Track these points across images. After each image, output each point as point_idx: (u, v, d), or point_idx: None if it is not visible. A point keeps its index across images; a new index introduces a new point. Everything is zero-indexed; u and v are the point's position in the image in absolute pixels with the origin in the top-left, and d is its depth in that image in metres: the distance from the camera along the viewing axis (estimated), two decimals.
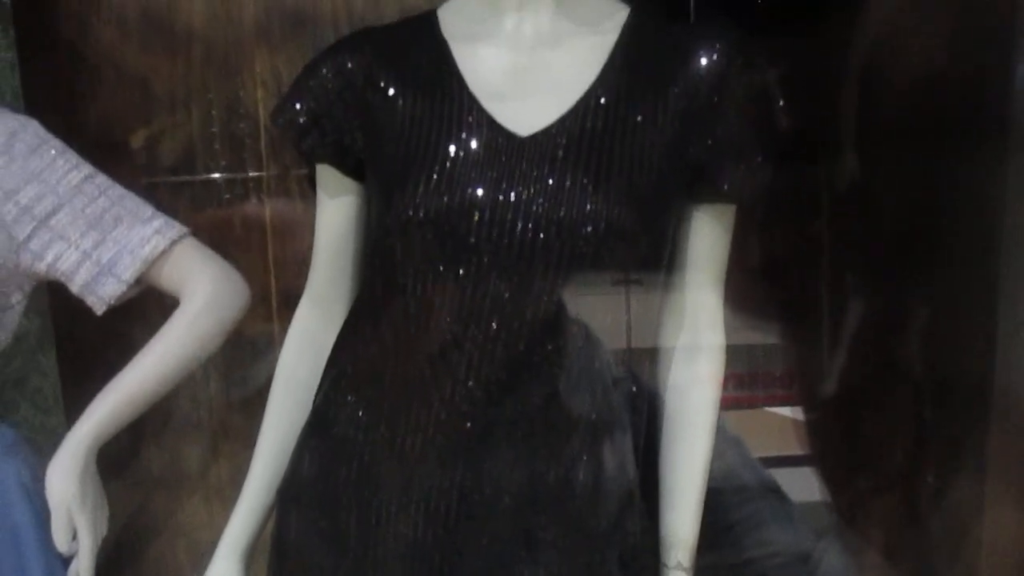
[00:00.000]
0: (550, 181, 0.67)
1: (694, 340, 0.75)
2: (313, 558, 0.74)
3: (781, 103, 0.71)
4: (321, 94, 0.74)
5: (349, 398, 0.73)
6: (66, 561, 0.84)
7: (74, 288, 0.84)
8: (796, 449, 1.30)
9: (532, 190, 0.67)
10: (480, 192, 0.67)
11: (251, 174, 1.11)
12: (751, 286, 1.18)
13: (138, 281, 0.83)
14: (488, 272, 0.67)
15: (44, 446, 0.89)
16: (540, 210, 0.66)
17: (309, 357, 0.79)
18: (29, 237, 0.81)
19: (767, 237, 1.17)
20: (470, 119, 0.69)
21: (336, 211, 0.77)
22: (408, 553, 0.70)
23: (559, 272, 0.67)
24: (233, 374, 1.12)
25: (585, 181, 0.67)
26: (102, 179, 0.85)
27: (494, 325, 0.67)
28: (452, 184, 0.68)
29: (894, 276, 1.09)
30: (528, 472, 0.69)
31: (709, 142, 0.70)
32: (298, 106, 0.74)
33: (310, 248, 0.80)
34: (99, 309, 0.84)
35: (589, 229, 0.66)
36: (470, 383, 0.68)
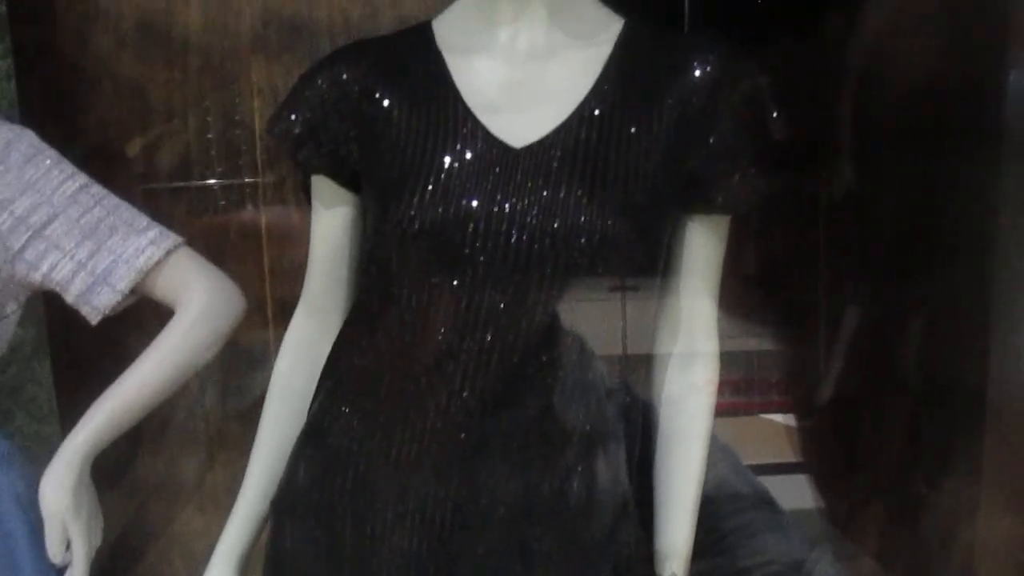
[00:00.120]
0: (545, 193, 0.67)
1: (688, 349, 0.75)
2: (308, 568, 0.74)
3: (775, 113, 0.71)
4: (317, 105, 0.74)
5: (344, 408, 0.74)
6: (60, 571, 0.83)
7: (69, 298, 0.84)
8: (792, 456, 1.30)
9: (527, 201, 0.67)
10: (475, 203, 0.67)
11: (247, 181, 1.12)
12: (747, 292, 1.18)
13: (133, 291, 0.83)
14: (483, 283, 0.67)
15: (39, 455, 0.89)
16: (535, 221, 0.67)
17: (304, 367, 0.79)
18: (24, 247, 0.81)
19: (764, 243, 1.17)
20: (465, 131, 0.70)
21: (331, 222, 0.78)
22: (403, 563, 0.70)
23: (554, 283, 0.67)
24: (229, 382, 1.12)
25: (580, 192, 0.67)
26: (97, 189, 0.85)
27: (489, 336, 0.67)
28: (447, 195, 0.68)
29: (889, 282, 1.10)
30: (523, 483, 0.69)
31: (703, 153, 0.70)
32: (294, 117, 0.75)
33: (306, 256, 0.80)
34: (94, 319, 0.84)
35: (584, 240, 0.66)
36: (465, 394, 0.68)
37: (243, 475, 0.80)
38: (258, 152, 1.11)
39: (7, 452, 0.88)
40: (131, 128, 1.09)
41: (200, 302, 0.83)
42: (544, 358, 0.69)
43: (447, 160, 0.69)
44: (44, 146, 0.84)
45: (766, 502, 0.97)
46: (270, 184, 1.12)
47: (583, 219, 0.66)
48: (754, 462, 1.24)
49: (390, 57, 0.75)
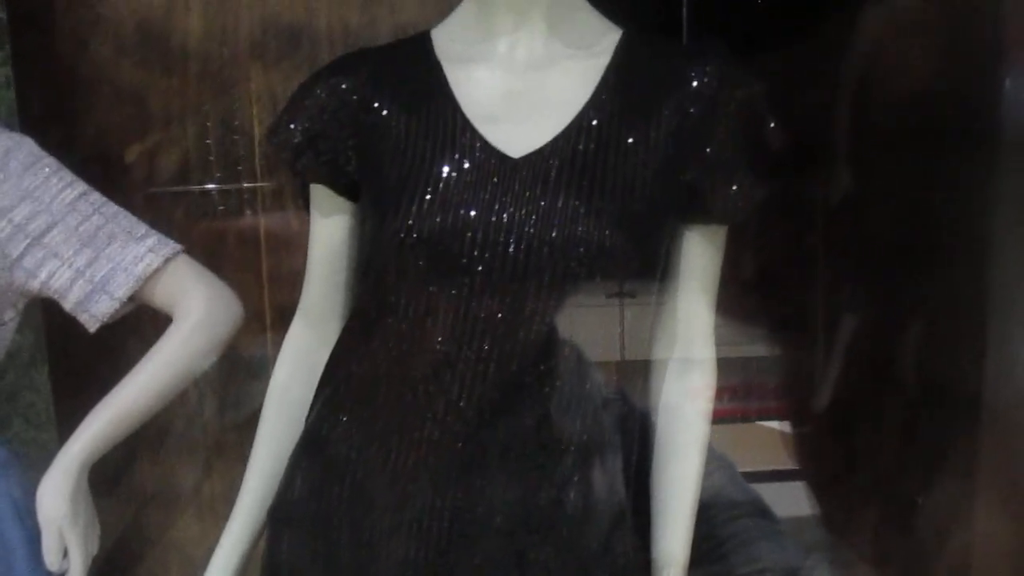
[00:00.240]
0: (542, 202, 0.67)
1: (686, 357, 0.76)
2: None
3: (772, 123, 0.71)
4: (316, 114, 0.74)
5: (342, 417, 0.74)
6: None
7: (67, 306, 0.84)
8: (790, 462, 1.30)
9: (524, 211, 0.67)
10: (473, 213, 0.67)
11: (245, 186, 1.12)
12: (745, 297, 1.18)
13: (131, 299, 0.83)
14: (481, 293, 0.67)
15: (36, 461, 0.89)
16: (532, 231, 0.67)
17: (302, 375, 0.79)
18: (22, 255, 0.81)
19: (761, 248, 1.18)
20: (463, 140, 0.70)
21: (329, 231, 0.78)
22: (400, 573, 0.70)
23: (551, 293, 0.67)
24: (226, 389, 1.12)
25: (577, 202, 0.67)
26: (96, 197, 0.85)
27: (486, 345, 0.68)
28: (445, 205, 0.68)
29: (886, 287, 1.10)
30: (520, 493, 0.69)
31: (700, 163, 0.70)
32: (293, 126, 0.75)
33: (304, 263, 0.81)
34: (92, 327, 0.84)
35: (581, 250, 0.66)
36: (462, 403, 0.68)
37: (240, 483, 0.80)
38: (257, 159, 1.11)
39: (4, 459, 0.88)
40: (130, 135, 1.10)
41: (198, 310, 0.83)
42: (542, 367, 0.69)
43: (445, 169, 0.69)
44: (43, 154, 0.84)
45: (761, 510, 0.97)
46: (269, 191, 1.12)
47: (580, 229, 0.67)
48: (752, 469, 1.24)
49: (389, 67, 0.75)
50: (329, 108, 0.74)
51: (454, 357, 0.68)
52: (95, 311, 0.83)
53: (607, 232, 0.67)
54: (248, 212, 1.13)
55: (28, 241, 0.81)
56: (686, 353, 0.75)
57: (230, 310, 0.86)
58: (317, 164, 0.75)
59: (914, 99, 1.02)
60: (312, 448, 0.75)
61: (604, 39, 0.73)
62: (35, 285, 0.83)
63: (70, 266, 0.82)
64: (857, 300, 1.17)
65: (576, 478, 0.70)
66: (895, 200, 1.07)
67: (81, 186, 0.84)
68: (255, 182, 1.12)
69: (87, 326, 0.84)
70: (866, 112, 1.11)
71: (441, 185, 0.69)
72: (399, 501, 0.70)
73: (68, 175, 0.84)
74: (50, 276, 0.82)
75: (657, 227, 0.71)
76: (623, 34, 0.74)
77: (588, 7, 0.75)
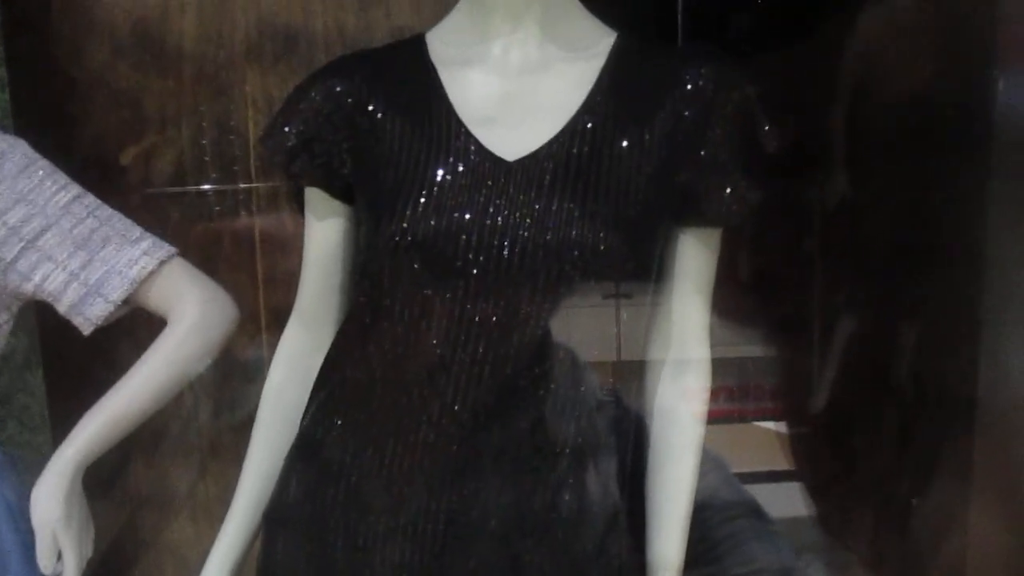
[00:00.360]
0: (537, 206, 0.67)
1: (680, 360, 0.76)
2: None
3: (767, 127, 0.71)
4: (311, 117, 0.74)
5: (336, 420, 0.74)
6: None
7: (61, 309, 0.84)
8: (785, 463, 1.31)
9: (519, 214, 0.67)
10: (467, 216, 0.68)
11: (241, 187, 1.12)
12: (741, 299, 1.19)
13: (126, 302, 0.83)
14: (475, 296, 0.67)
15: (31, 464, 0.89)
16: (527, 234, 0.67)
17: (297, 378, 0.79)
18: (16, 258, 0.81)
19: (757, 250, 1.18)
20: (457, 143, 0.70)
21: (324, 233, 0.78)
22: None
23: (546, 296, 0.67)
24: (221, 392, 1.12)
25: (571, 206, 0.67)
26: (90, 200, 0.85)
27: (481, 348, 0.68)
28: (440, 208, 0.68)
29: (881, 290, 1.11)
30: (514, 496, 0.69)
31: (695, 166, 0.70)
32: (287, 129, 0.75)
33: (299, 264, 0.81)
34: (86, 330, 0.84)
35: (576, 253, 0.67)
36: (457, 406, 0.68)
37: (235, 485, 0.80)
38: (252, 161, 1.11)
39: None
40: (126, 137, 1.09)
41: (193, 313, 0.83)
42: (536, 370, 0.69)
43: (440, 173, 0.69)
44: (37, 157, 0.84)
45: (755, 511, 0.97)
46: (264, 193, 1.12)
47: (575, 232, 0.67)
48: (749, 469, 1.24)
49: (384, 69, 0.75)
50: (324, 111, 0.74)
51: (449, 360, 0.68)
52: (89, 314, 0.83)
53: (601, 235, 0.67)
54: (243, 214, 1.13)
55: (22, 244, 0.81)
56: (680, 355, 0.75)
57: (224, 313, 0.86)
58: (312, 167, 0.75)
59: (910, 102, 1.03)
60: (307, 451, 0.75)
61: (599, 42, 0.74)
62: (29, 288, 0.83)
63: (64, 269, 0.82)
64: (853, 302, 1.17)
65: (571, 481, 0.70)
66: (891, 202, 1.08)
67: (75, 189, 0.84)
68: (250, 183, 1.12)
69: (81, 329, 0.84)
70: (862, 115, 1.12)
71: (436, 188, 0.69)
72: (394, 504, 0.70)
73: (62, 178, 0.84)
74: (44, 279, 0.82)
75: (652, 230, 0.71)
76: (617, 37, 0.74)
77: (583, 10, 0.75)
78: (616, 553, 0.72)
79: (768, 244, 1.18)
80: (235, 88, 1.10)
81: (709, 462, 0.76)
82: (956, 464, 0.95)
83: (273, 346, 0.82)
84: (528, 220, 0.67)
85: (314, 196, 0.77)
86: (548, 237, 0.67)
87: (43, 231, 0.81)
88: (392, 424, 0.70)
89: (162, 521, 1.15)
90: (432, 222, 0.68)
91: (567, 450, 0.71)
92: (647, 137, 0.70)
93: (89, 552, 0.85)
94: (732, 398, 1.44)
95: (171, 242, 0.87)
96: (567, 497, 0.70)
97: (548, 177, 0.68)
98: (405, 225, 0.68)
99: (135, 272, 0.82)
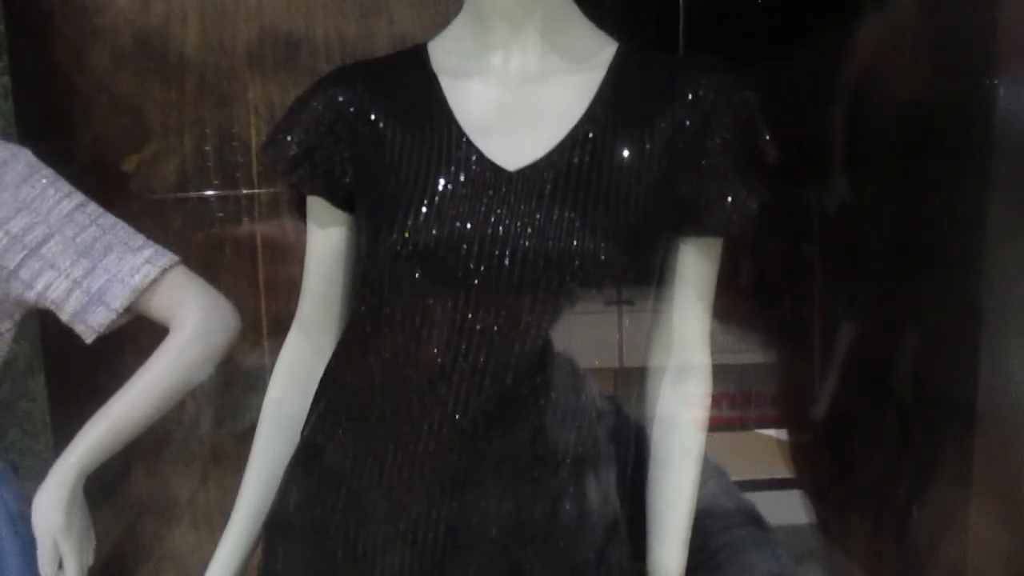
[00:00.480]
0: (538, 216, 0.68)
1: (681, 369, 0.76)
2: None
3: (768, 137, 0.71)
4: (312, 127, 0.74)
5: (337, 429, 0.74)
6: None
7: (64, 317, 0.84)
8: (786, 470, 1.31)
9: (520, 224, 0.67)
10: (468, 226, 0.68)
11: (244, 193, 1.12)
12: (742, 306, 1.19)
13: (128, 310, 0.84)
14: (476, 305, 0.67)
15: (32, 471, 0.89)
16: (528, 244, 0.67)
17: (298, 387, 0.79)
18: (19, 266, 0.82)
19: (758, 257, 1.18)
20: (459, 153, 0.70)
21: (326, 242, 0.78)
22: None
23: (546, 305, 0.68)
24: (222, 398, 1.12)
25: (572, 216, 0.67)
26: (93, 208, 0.85)
27: (482, 358, 0.68)
28: (441, 218, 0.68)
29: (881, 295, 1.11)
30: (514, 504, 0.70)
31: (695, 177, 0.70)
32: (289, 139, 0.75)
33: (301, 271, 0.81)
34: (88, 338, 0.84)
35: (576, 263, 0.67)
36: (457, 415, 0.68)
37: (236, 492, 0.80)
38: (254, 168, 1.11)
39: (0, 470, 0.88)
40: (128, 145, 1.10)
41: (194, 321, 0.83)
42: (537, 379, 0.69)
43: (441, 182, 0.69)
44: (40, 165, 0.84)
45: (754, 519, 0.97)
46: (266, 200, 1.13)
47: (575, 242, 0.67)
48: (751, 477, 1.24)
49: (385, 79, 0.76)
50: (325, 120, 0.74)
51: (449, 369, 0.68)
52: (92, 322, 0.83)
53: (602, 245, 0.67)
54: (245, 221, 1.13)
55: (25, 252, 0.81)
56: (681, 362, 0.75)
57: (226, 321, 0.86)
58: (313, 176, 0.75)
59: (910, 107, 1.03)
60: (307, 459, 0.75)
61: (600, 52, 0.74)
62: (32, 296, 0.83)
63: (67, 277, 0.82)
64: (853, 308, 1.17)
65: (571, 490, 0.71)
66: (891, 208, 1.08)
67: (78, 197, 0.85)
68: (252, 190, 1.12)
69: (84, 337, 0.84)
70: (862, 121, 1.12)
71: (437, 198, 0.69)
72: (394, 513, 0.70)
73: (65, 186, 0.84)
74: (47, 287, 0.82)
75: (652, 239, 0.71)
76: (618, 47, 0.74)
77: (584, 20, 0.75)
78: (616, 562, 0.72)
79: (769, 250, 1.18)
80: (237, 95, 1.10)
81: (708, 470, 0.76)
82: (956, 469, 0.95)
83: (274, 353, 0.82)
84: (529, 230, 0.67)
85: (315, 205, 0.78)
86: (549, 247, 0.67)
87: (46, 239, 0.82)
88: (393, 432, 0.70)
89: (163, 528, 1.15)
90: (433, 231, 0.68)
91: (567, 459, 0.71)
92: (648, 147, 0.70)
93: (90, 560, 0.85)
94: (734, 405, 1.44)
95: (173, 249, 0.87)
96: (567, 506, 0.70)
97: (549, 187, 0.68)
98: (406, 234, 0.68)
99: (137, 280, 0.83)
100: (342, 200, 0.76)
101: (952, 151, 0.95)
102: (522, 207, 0.68)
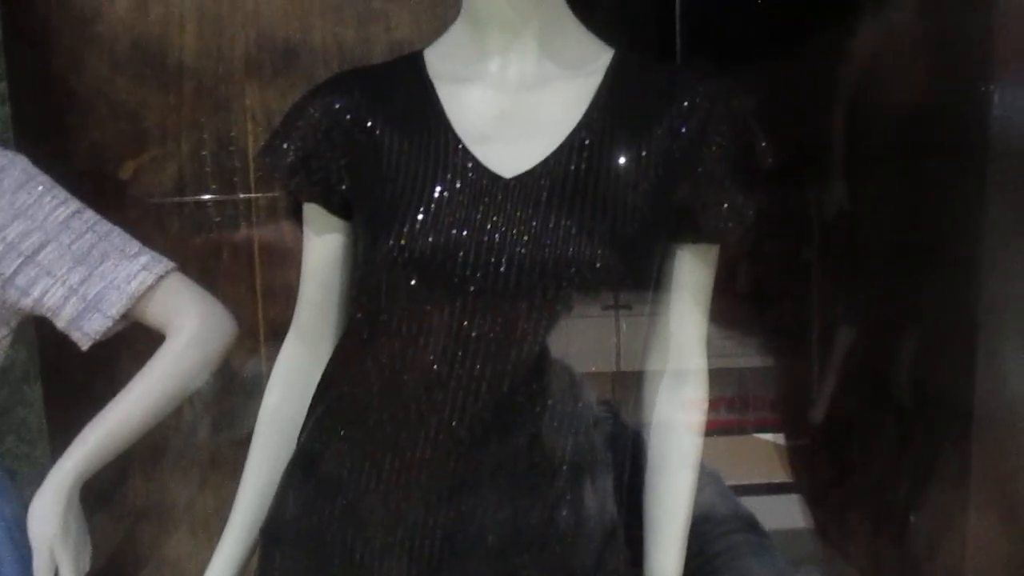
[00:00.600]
0: (534, 223, 0.68)
1: (678, 375, 0.76)
2: None
3: (764, 143, 0.72)
4: (309, 134, 0.74)
5: (334, 436, 0.74)
6: None
7: (60, 324, 0.84)
8: (784, 474, 1.31)
9: (516, 231, 0.68)
10: (465, 233, 0.68)
11: (241, 197, 1.12)
12: (739, 310, 1.19)
13: (124, 317, 0.84)
14: (473, 313, 0.68)
15: (29, 477, 0.89)
16: (524, 252, 0.67)
17: (295, 394, 0.79)
18: (15, 273, 0.82)
19: (756, 260, 1.18)
20: (455, 160, 0.70)
21: (323, 249, 0.78)
22: None
23: (543, 312, 0.68)
24: (219, 404, 1.12)
25: (568, 223, 0.68)
26: (89, 215, 0.85)
27: (479, 365, 0.68)
28: (437, 225, 0.68)
29: (879, 299, 1.11)
30: (511, 512, 0.69)
31: (692, 184, 0.70)
32: (286, 146, 0.75)
33: (298, 278, 0.81)
34: (84, 345, 0.84)
35: (573, 270, 0.67)
36: (454, 422, 0.68)
37: (234, 498, 0.80)
38: (251, 174, 1.11)
39: None
40: (125, 151, 1.10)
41: (191, 328, 0.83)
42: (534, 386, 0.69)
43: (437, 190, 0.69)
44: (37, 172, 0.84)
45: (751, 525, 0.97)
46: (263, 205, 1.13)
47: (572, 249, 0.67)
48: (749, 482, 1.24)
49: (382, 86, 0.76)
50: (322, 128, 0.74)
51: (446, 376, 0.68)
52: (88, 329, 0.83)
53: (599, 252, 0.67)
54: (243, 226, 1.13)
55: (21, 259, 0.81)
56: (678, 369, 0.75)
57: (223, 327, 0.86)
58: (310, 184, 0.75)
59: (907, 112, 1.03)
60: (304, 467, 0.75)
61: (596, 59, 0.74)
62: (28, 303, 0.83)
63: (63, 284, 0.82)
64: (851, 311, 1.17)
65: (568, 497, 0.71)
66: (889, 212, 1.08)
67: (75, 204, 0.84)
68: (249, 195, 1.12)
69: (80, 344, 0.84)
70: (859, 126, 1.12)
71: (433, 205, 0.69)
72: (391, 520, 0.70)
73: (62, 193, 0.84)
74: (43, 294, 0.82)
75: (649, 246, 0.71)
76: (615, 54, 0.75)
77: (580, 27, 0.75)
78: (614, 568, 0.72)
79: (766, 254, 1.18)
80: (234, 101, 1.10)
81: (705, 476, 0.76)
82: (954, 472, 0.95)
83: (272, 359, 0.82)
84: (525, 237, 0.67)
85: (312, 212, 0.78)
86: (545, 254, 0.67)
87: (42, 246, 0.82)
88: (389, 440, 0.70)
89: (160, 535, 1.14)
90: (430, 239, 0.68)
91: (564, 466, 0.71)
92: (644, 154, 0.70)
93: (86, 567, 0.85)
94: (732, 408, 1.44)
95: (170, 253, 0.87)
96: (564, 513, 0.70)
97: (545, 194, 0.69)
98: (403, 242, 0.68)
99: (133, 287, 0.83)
100: (339, 207, 0.76)
101: (949, 155, 0.96)
102: (518, 214, 0.68)
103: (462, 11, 0.75)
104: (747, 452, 1.41)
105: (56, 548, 0.81)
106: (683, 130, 0.70)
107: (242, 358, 1.10)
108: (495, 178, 0.69)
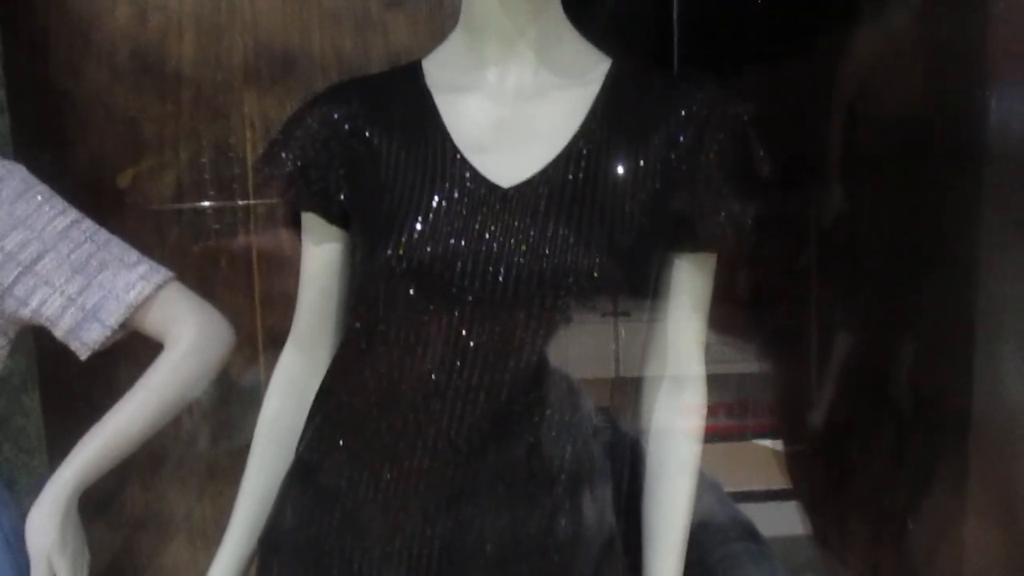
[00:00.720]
0: (532, 232, 0.68)
1: (676, 382, 0.76)
2: None
3: (761, 152, 0.72)
4: (307, 144, 0.74)
5: (332, 446, 0.74)
6: None
7: (58, 333, 0.84)
8: (783, 480, 1.31)
9: (514, 241, 0.68)
10: (463, 243, 0.68)
11: (240, 204, 1.12)
12: (737, 315, 1.19)
13: (123, 326, 0.84)
14: (471, 322, 0.68)
15: (27, 487, 0.89)
16: (522, 261, 0.67)
17: (293, 403, 0.79)
18: (14, 283, 0.82)
19: (754, 266, 1.18)
20: (453, 170, 0.70)
21: (321, 259, 0.78)
22: None
23: (541, 321, 0.68)
24: (218, 414, 1.12)
25: (566, 232, 0.68)
26: (88, 224, 0.85)
27: (476, 374, 0.68)
28: (435, 234, 0.68)
29: (877, 304, 1.11)
30: (510, 521, 0.69)
31: (690, 192, 0.71)
32: (284, 155, 0.75)
33: (297, 286, 0.81)
34: (83, 354, 0.84)
35: (571, 280, 0.67)
36: (452, 432, 0.68)
37: (232, 508, 0.80)
38: (250, 182, 1.12)
39: None
40: (124, 160, 1.10)
41: (189, 337, 0.83)
42: (532, 396, 0.69)
43: (435, 199, 0.70)
44: (35, 181, 0.84)
45: (750, 532, 0.97)
46: (262, 212, 1.13)
47: (570, 258, 0.67)
48: (746, 488, 1.24)
49: (380, 96, 0.76)
50: (320, 137, 0.74)
51: (444, 386, 0.68)
52: (86, 339, 0.83)
53: (597, 261, 0.67)
54: (241, 233, 1.13)
55: (20, 269, 0.81)
56: (676, 376, 0.75)
57: (221, 336, 0.86)
58: (308, 193, 0.75)
59: (903, 117, 1.03)
60: (302, 476, 0.75)
61: (594, 68, 0.74)
62: (26, 313, 0.83)
63: (61, 294, 0.82)
64: (850, 317, 1.18)
65: (566, 506, 0.71)
66: (886, 217, 1.08)
67: (73, 214, 0.85)
68: (247, 208, 1.12)
69: (78, 354, 0.84)
70: (856, 131, 1.13)
71: (431, 215, 0.69)
72: (389, 530, 0.70)
73: (60, 203, 0.84)
74: (41, 304, 0.82)
75: (647, 255, 0.71)
76: (612, 63, 0.75)
77: (578, 37, 0.75)
78: None
79: (765, 260, 1.18)
80: (233, 110, 1.10)
81: (703, 484, 0.76)
82: (952, 477, 0.95)
83: (270, 367, 0.82)
84: (523, 247, 0.67)
85: (311, 221, 0.78)
86: (543, 264, 0.67)
87: (40, 256, 0.82)
88: (388, 449, 0.70)
89: (159, 544, 1.14)
90: (428, 248, 0.68)
91: (563, 475, 0.71)
92: (642, 163, 0.70)
93: None
94: (731, 414, 1.44)
95: (169, 261, 0.87)
96: (563, 522, 0.70)
97: (543, 203, 0.69)
98: (401, 251, 0.68)
99: (132, 297, 0.83)
100: (337, 217, 0.76)
101: (947, 159, 0.96)
102: (516, 224, 0.68)
103: (460, 20, 0.75)
104: (746, 458, 1.41)
105: (54, 558, 0.81)
106: (681, 139, 0.70)
107: (240, 366, 1.10)
108: (493, 187, 0.70)
